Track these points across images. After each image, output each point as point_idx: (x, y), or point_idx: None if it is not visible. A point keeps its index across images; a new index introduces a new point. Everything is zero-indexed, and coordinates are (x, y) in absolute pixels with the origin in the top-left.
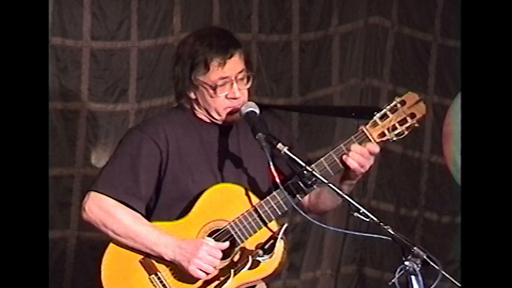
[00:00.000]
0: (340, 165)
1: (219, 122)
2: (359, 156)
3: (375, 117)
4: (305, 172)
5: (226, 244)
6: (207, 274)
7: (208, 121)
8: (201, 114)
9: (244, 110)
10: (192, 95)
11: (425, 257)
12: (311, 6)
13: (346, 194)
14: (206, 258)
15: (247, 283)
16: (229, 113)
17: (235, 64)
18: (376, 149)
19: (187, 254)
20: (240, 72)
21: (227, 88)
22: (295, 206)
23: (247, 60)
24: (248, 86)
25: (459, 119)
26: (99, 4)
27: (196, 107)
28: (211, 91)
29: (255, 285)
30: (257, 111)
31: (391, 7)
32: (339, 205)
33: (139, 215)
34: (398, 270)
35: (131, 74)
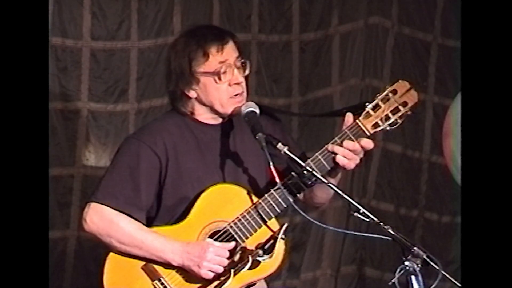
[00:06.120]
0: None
1: (224, 116)
2: (348, 152)
3: (367, 108)
4: (305, 172)
5: (232, 244)
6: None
7: (207, 122)
8: (201, 115)
9: (244, 110)
10: (193, 94)
11: (425, 257)
12: (311, 6)
13: (346, 194)
14: (214, 259)
15: (248, 283)
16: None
17: (231, 49)
18: (369, 145)
19: (196, 258)
20: (237, 58)
21: (229, 74)
22: (292, 204)
23: (239, 48)
24: (246, 73)
25: (459, 119)
26: (99, 4)
27: (197, 108)
28: (216, 78)
29: (254, 283)
30: (257, 111)
31: (391, 7)
32: (332, 200)
33: (140, 224)
34: (398, 270)
35: (131, 74)
